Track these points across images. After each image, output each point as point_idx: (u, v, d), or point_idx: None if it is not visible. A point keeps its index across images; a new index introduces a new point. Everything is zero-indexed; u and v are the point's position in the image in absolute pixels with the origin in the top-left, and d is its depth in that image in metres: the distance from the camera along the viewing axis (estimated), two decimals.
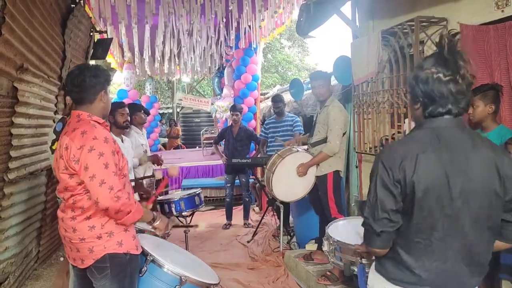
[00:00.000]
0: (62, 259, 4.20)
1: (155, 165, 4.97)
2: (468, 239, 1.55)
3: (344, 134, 3.93)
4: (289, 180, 4.11)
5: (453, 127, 1.59)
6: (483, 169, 1.54)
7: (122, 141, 3.90)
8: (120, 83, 12.26)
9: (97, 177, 2.00)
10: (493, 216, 1.57)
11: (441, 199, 1.52)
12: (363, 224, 1.70)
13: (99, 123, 2.18)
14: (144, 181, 4.48)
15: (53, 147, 3.10)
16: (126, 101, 10.98)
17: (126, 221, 2.11)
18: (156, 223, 2.33)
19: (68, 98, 3.22)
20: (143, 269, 2.32)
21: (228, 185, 6.42)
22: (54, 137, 3.12)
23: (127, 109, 3.98)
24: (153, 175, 4.65)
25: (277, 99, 5.98)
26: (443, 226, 1.54)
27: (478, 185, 1.53)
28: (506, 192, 1.56)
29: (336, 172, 3.95)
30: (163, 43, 7.71)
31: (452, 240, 1.55)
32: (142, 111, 4.87)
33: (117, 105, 3.88)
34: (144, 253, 2.33)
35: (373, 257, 1.85)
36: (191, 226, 3.27)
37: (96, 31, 6.01)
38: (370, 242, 1.67)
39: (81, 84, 2.15)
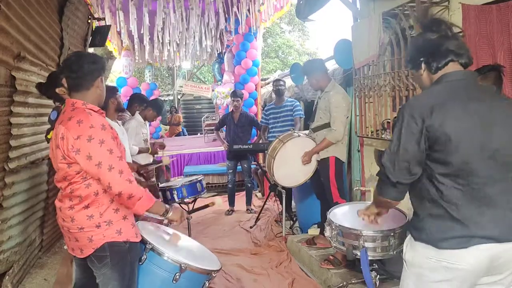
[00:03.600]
0: (66, 247, 4.22)
1: (159, 152, 4.99)
2: (507, 183, 1.57)
3: (346, 119, 3.91)
4: (290, 165, 4.10)
5: (469, 79, 1.65)
6: (509, 116, 1.60)
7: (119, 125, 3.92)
8: (119, 71, 12.18)
9: (104, 163, 1.99)
10: None
11: (474, 144, 1.55)
12: (379, 174, 1.70)
13: (94, 110, 2.15)
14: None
15: (49, 136, 3.09)
16: (126, 89, 10.98)
17: (138, 207, 2.09)
18: (170, 215, 2.28)
19: (58, 89, 3.16)
20: (142, 258, 2.32)
21: (230, 171, 6.42)
22: (49, 126, 3.10)
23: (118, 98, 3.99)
24: (152, 163, 4.65)
25: (279, 79, 6.24)
26: (482, 171, 1.55)
27: (507, 131, 1.57)
28: None
29: (338, 158, 3.94)
30: (162, 29, 7.64)
31: (494, 185, 1.56)
32: (156, 112, 4.87)
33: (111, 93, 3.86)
34: (144, 241, 2.32)
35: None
36: (207, 206, 3.23)
37: (94, 18, 5.94)
38: (385, 192, 1.68)
39: (79, 70, 2.12)
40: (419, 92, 3.40)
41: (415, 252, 1.69)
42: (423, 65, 1.72)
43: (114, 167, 2.00)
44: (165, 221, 2.34)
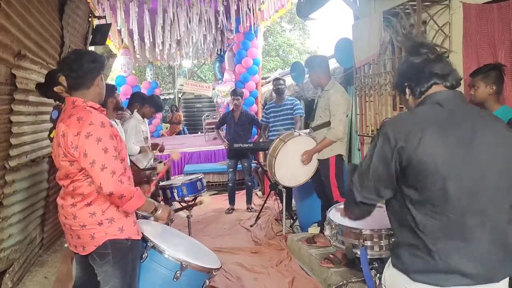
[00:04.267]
0: (66, 245, 4.23)
1: (158, 152, 4.98)
2: (488, 216, 1.47)
3: (346, 117, 3.91)
4: (291, 165, 4.10)
5: (455, 99, 1.58)
6: (495, 142, 1.50)
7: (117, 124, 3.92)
8: (118, 69, 12.18)
9: (97, 162, 1.99)
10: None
11: (451, 171, 1.46)
12: (348, 188, 1.69)
13: (94, 108, 2.16)
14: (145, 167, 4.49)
15: (51, 136, 3.09)
16: (125, 87, 10.97)
17: (128, 207, 2.09)
18: (158, 213, 2.30)
19: (56, 88, 3.15)
20: (143, 255, 2.32)
21: (231, 170, 6.42)
22: (51, 125, 3.10)
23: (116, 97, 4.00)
24: (151, 168, 4.64)
25: (279, 78, 6.18)
26: (458, 201, 1.46)
27: (490, 158, 1.48)
28: None
29: (339, 156, 3.94)
30: (163, 27, 7.64)
31: (471, 217, 1.46)
32: (154, 108, 4.85)
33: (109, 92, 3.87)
34: (145, 239, 2.33)
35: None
36: (195, 205, 3.23)
37: (95, 17, 5.94)
38: (349, 208, 1.67)
39: (80, 69, 2.12)
40: None
41: (393, 278, 1.63)
42: (407, 90, 1.70)
43: (107, 167, 1.99)
44: (152, 219, 2.35)
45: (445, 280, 1.46)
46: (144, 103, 4.80)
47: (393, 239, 2.70)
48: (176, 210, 2.81)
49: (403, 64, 1.76)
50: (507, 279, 1.53)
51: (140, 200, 2.13)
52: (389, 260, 1.68)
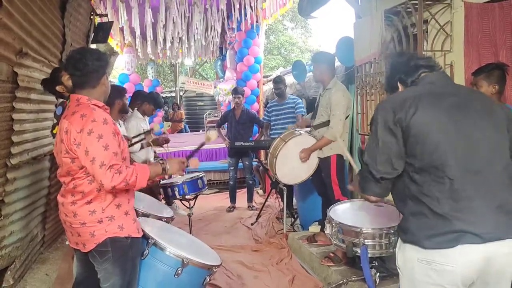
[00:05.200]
0: (67, 243, 4.23)
1: (163, 146, 4.97)
2: (485, 178, 1.53)
3: (347, 117, 3.91)
4: (292, 164, 4.10)
5: (446, 78, 1.72)
6: (486, 110, 1.61)
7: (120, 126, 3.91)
8: (122, 67, 12.19)
9: (97, 159, 2.00)
10: (504, 156, 1.59)
11: (448, 136, 1.54)
12: (361, 172, 1.70)
13: (98, 106, 2.17)
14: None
15: (54, 132, 3.10)
16: (128, 85, 10.97)
17: (139, 184, 2.10)
18: (168, 169, 2.28)
19: (59, 86, 3.16)
20: (145, 252, 2.33)
21: (232, 168, 6.43)
22: (55, 121, 3.11)
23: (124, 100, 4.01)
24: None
25: (277, 80, 5.93)
26: (458, 163, 1.53)
27: (483, 124, 1.57)
28: None
29: (340, 155, 3.94)
30: (165, 26, 7.64)
31: (471, 177, 1.53)
32: (153, 105, 4.85)
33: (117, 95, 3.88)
34: (146, 237, 2.34)
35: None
36: (203, 145, 3.00)
37: (97, 15, 5.94)
38: (368, 189, 1.68)
39: (84, 68, 2.11)
40: None
41: (405, 256, 1.65)
42: (399, 84, 1.79)
43: (105, 164, 2.00)
44: (167, 176, 2.29)
45: (454, 240, 1.50)
46: (143, 100, 4.80)
47: (393, 238, 2.70)
48: (188, 157, 2.52)
49: (389, 65, 1.87)
50: None
51: (146, 173, 2.13)
52: (399, 243, 1.72)
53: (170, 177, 4.67)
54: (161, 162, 2.29)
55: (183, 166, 2.37)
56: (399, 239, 1.72)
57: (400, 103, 1.59)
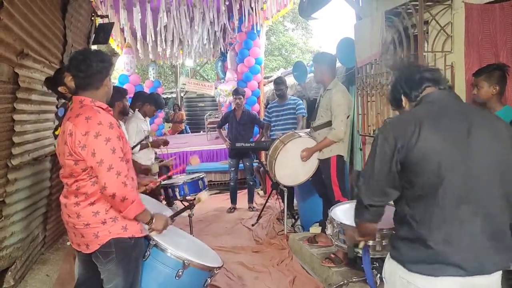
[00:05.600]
0: (68, 243, 4.24)
1: (162, 147, 4.97)
2: (481, 205, 1.52)
3: (347, 117, 3.91)
4: (291, 165, 4.11)
5: (449, 97, 1.66)
6: (490, 135, 1.56)
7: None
8: (121, 68, 12.21)
9: (105, 162, 2.00)
10: (505, 183, 1.55)
11: (446, 164, 1.51)
12: (355, 196, 1.70)
13: (102, 108, 2.17)
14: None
15: (56, 133, 3.11)
16: (128, 86, 10.99)
17: (129, 212, 2.09)
18: (153, 224, 2.24)
19: (61, 87, 3.17)
20: (146, 254, 2.34)
21: (232, 169, 6.43)
22: (57, 122, 3.12)
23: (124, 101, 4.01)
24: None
25: (278, 81, 5.93)
26: (454, 192, 1.51)
27: (485, 151, 1.54)
28: None
29: (340, 156, 3.93)
30: (166, 27, 7.65)
31: (463, 207, 1.51)
32: (154, 106, 4.84)
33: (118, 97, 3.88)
34: (147, 238, 2.34)
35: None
36: (192, 206, 3.11)
37: (97, 16, 5.95)
38: (359, 215, 1.68)
39: (88, 70, 2.11)
40: None
41: (390, 269, 1.69)
42: (403, 98, 1.77)
43: (113, 168, 2.01)
44: (147, 228, 2.29)
45: (439, 270, 1.52)
46: (144, 101, 4.80)
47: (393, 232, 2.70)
48: (173, 216, 2.64)
49: (394, 78, 1.84)
50: (500, 273, 1.57)
51: (140, 206, 2.14)
52: (388, 253, 1.75)
53: (170, 177, 4.67)
54: (151, 213, 2.24)
55: (166, 225, 2.33)
56: (390, 249, 1.74)
57: (403, 131, 1.57)
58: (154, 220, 2.24)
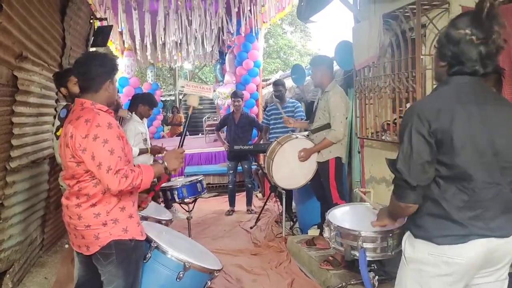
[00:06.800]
0: (67, 246, 4.24)
1: (157, 155, 4.96)
2: (500, 188, 1.61)
3: (346, 119, 3.92)
4: (289, 167, 4.11)
5: (475, 85, 1.66)
6: (510, 122, 1.64)
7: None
8: (122, 71, 12.20)
9: (103, 164, 2.02)
10: None
11: (476, 149, 1.59)
12: (395, 180, 1.70)
13: (102, 110, 2.18)
14: None
15: (58, 134, 3.11)
16: (128, 89, 11.00)
17: (144, 186, 2.14)
18: (168, 167, 2.31)
19: (63, 89, 3.19)
20: (147, 256, 2.34)
21: (231, 171, 6.43)
22: (59, 123, 3.13)
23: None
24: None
25: (277, 82, 5.98)
26: (481, 175, 1.59)
27: (506, 136, 1.61)
28: None
29: (338, 158, 3.94)
30: (164, 29, 7.66)
31: (490, 189, 1.61)
32: (147, 105, 4.82)
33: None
34: (148, 240, 2.35)
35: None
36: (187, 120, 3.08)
37: (96, 18, 5.97)
38: (404, 197, 1.68)
39: (87, 73, 2.14)
40: (418, 93, 3.41)
41: (415, 249, 1.72)
42: (446, 63, 1.68)
43: (111, 168, 2.02)
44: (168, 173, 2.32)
45: (466, 237, 1.61)
46: (138, 103, 4.78)
47: (391, 242, 2.71)
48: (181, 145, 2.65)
49: (461, 37, 1.60)
50: None
51: (149, 173, 2.16)
52: (408, 236, 1.78)
53: (169, 180, 4.67)
54: (160, 162, 2.32)
55: (180, 157, 2.38)
56: (408, 232, 1.78)
57: (435, 113, 1.59)
58: (166, 164, 2.31)
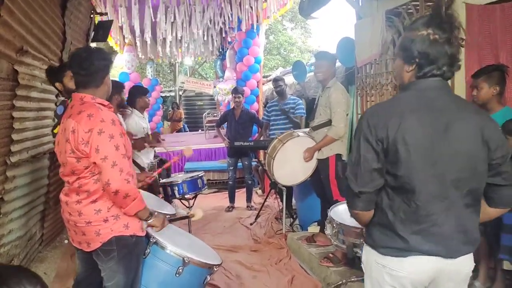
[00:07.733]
0: (66, 241, 4.24)
1: (160, 145, 4.93)
2: (451, 202, 1.54)
3: (346, 115, 3.91)
4: (290, 165, 4.11)
5: (440, 89, 1.59)
6: (467, 132, 1.54)
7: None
8: (121, 66, 12.19)
9: (109, 158, 2.01)
10: (474, 180, 1.56)
11: (423, 159, 1.52)
12: (345, 187, 1.69)
13: (103, 105, 2.17)
14: (146, 164, 4.49)
15: (55, 131, 3.10)
16: (128, 84, 10.96)
17: (131, 209, 2.12)
18: (151, 221, 2.30)
19: (58, 84, 3.17)
20: (146, 251, 2.34)
21: (231, 168, 6.42)
22: (56, 121, 3.11)
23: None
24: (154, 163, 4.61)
25: (277, 78, 6.02)
26: (427, 188, 1.53)
27: (460, 147, 1.53)
28: (491, 155, 1.54)
29: (338, 156, 3.93)
30: (165, 25, 7.63)
31: (437, 203, 1.54)
32: (143, 95, 4.78)
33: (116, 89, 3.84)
34: (147, 236, 2.35)
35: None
36: (186, 217, 3.22)
37: (97, 13, 5.94)
38: (352, 205, 1.66)
39: (90, 68, 2.12)
40: None
41: (367, 255, 1.73)
42: (415, 66, 1.60)
43: (117, 164, 2.02)
44: (145, 226, 2.33)
45: (407, 252, 1.57)
46: (134, 97, 4.72)
47: None
48: (171, 221, 2.71)
49: (425, 37, 1.56)
50: (467, 256, 1.62)
51: (141, 203, 2.16)
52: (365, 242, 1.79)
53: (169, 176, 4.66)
54: (150, 210, 2.30)
55: (164, 224, 2.39)
56: (366, 236, 1.78)
57: (384, 121, 1.53)
58: (153, 217, 2.29)
